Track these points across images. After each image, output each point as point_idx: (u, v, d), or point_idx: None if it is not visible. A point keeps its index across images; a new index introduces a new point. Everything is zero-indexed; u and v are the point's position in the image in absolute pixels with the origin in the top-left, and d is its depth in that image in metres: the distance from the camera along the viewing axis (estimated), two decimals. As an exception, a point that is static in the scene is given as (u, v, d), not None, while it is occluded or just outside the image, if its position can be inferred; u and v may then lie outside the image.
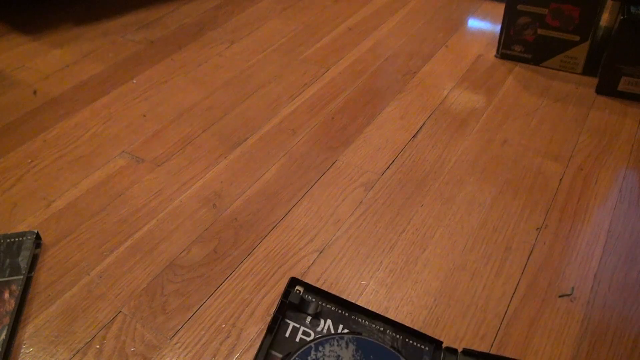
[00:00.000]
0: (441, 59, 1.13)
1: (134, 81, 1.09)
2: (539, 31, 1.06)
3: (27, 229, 0.78)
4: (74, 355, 0.63)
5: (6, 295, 0.67)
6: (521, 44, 1.09)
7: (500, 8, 1.28)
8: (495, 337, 0.64)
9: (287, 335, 0.61)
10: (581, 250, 0.74)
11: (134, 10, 1.35)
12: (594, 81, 1.05)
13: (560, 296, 0.68)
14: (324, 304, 0.65)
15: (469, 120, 0.97)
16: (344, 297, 0.66)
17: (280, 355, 0.59)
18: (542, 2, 1.02)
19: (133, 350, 0.63)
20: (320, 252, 0.74)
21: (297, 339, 0.61)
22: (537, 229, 0.77)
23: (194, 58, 1.16)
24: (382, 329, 0.63)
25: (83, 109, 1.02)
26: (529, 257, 0.73)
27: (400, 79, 1.08)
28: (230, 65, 1.13)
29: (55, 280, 0.71)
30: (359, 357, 0.59)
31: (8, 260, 0.71)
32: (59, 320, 0.66)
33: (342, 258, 0.73)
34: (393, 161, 0.89)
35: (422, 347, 0.61)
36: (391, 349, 0.60)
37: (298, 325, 0.62)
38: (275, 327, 0.62)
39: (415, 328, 0.63)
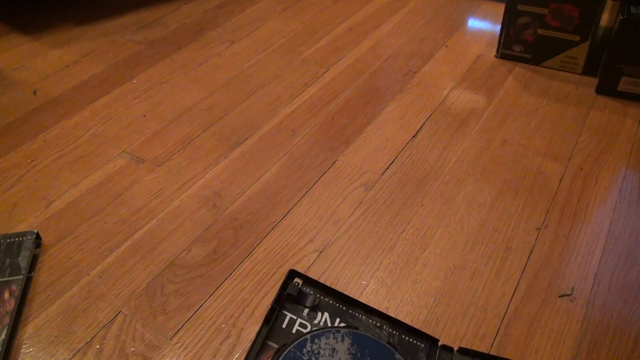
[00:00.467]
0: (441, 59, 1.13)
1: (134, 81, 1.09)
2: (539, 31, 1.06)
3: (27, 229, 0.78)
4: (74, 355, 0.63)
5: (6, 295, 0.67)
6: (521, 44, 1.09)
7: (500, 8, 1.28)
8: (495, 337, 0.64)
9: (283, 326, 0.62)
10: (581, 250, 0.74)
11: (134, 10, 1.35)
12: (594, 81, 1.05)
13: (560, 296, 0.68)
14: (322, 297, 0.65)
15: (469, 120, 0.97)
16: (344, 297, 0.66)
17: (276, 346, 0.60)
18: (542, 2, 1.02)
19: (133, 350, 0.63)
20: (320, 252, 0.74)
21: (294, 331, 0.61)
22: (537, 229, 0.77)
23: (194, 58, 1.16)
24: (378, 324, 0.63)
25: (83, 109, 1.02)
26: (529, 257, 0.73)
27: (400, 79, 1.08)
28: (230, 65, 1.13)
29: (55, 280, 0.71)
30: (354, 351, 0.59)
31: (8, 260, 0.71)
32: (59, 320, 0.66)
33: (342, 258, 0.73)
34: (393, 161, 0.89)
35: (419, 344, 0.61)
36: (387, 345, 0.60)
37: (295, 317, 0.63)
38: (272, 317, 0.62)
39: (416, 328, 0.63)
